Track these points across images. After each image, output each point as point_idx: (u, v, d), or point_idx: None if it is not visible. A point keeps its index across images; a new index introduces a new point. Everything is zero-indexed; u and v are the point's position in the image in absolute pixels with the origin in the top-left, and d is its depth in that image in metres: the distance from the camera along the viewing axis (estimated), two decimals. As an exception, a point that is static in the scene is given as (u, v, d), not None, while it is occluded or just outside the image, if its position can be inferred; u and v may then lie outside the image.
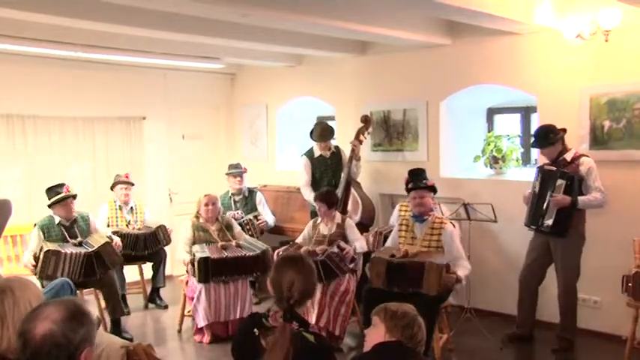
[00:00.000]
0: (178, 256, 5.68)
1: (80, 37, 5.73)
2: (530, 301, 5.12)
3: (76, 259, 5.09)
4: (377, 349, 2.44)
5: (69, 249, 5.16)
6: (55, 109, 6.58)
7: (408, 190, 5.01)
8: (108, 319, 5.43)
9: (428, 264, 4.44)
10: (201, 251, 5.29)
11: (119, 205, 6.33)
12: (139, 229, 6.23)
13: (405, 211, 5.57)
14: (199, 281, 5.20)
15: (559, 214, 4.75)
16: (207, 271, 5.17)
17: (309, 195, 6.22)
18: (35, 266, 5.08)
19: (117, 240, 5.71)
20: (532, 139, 5.09)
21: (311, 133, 6.36)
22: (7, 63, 6.19)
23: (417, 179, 5.02)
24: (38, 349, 1.78)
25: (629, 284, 4.33)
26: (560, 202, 4.71)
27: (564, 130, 4.87)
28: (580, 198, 4.70)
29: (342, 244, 5.18)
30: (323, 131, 6.28)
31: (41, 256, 5.01)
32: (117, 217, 6.31)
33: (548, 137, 4.85)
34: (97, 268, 5.18)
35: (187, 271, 5.48)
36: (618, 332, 4.85)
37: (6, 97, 6.21)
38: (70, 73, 6.66)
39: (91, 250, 5.20)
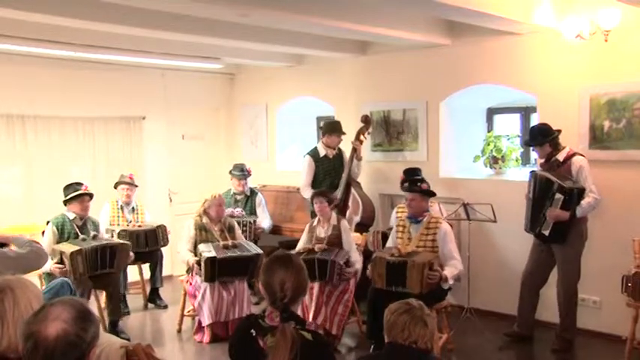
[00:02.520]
0: (180, 256, 5.66)
1: (80, 37, 5.73)
2: (530, 301, 5.11)
3: (93, 252, 5.17)
4: (384, 349, 2.51)
5: (87, 245, 5.21)
6: (55, 109, 6.58)
7: (404, 190, 5.03)
8: (106, 319, 5.44)
9: (410, 262, 4.47)
10: (208, 250, 5.30)
11: (121, 205, 6.35)
12: (139, 226, 6.25)
13: (402, 212, 5.57)
14: (205, 280, 5.20)
15: (556, 225, 4.73)
16: (214, 270, 5.18)
17: (309, 194, 6.20)
18: (62, 268, 5.07)
19: (131, 254, 5.69)
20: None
21: (324, 127, 6.34)
22: (7, 63, 6.19)
23: (411, 180, 5.02)
24: (52, 349, 1.78)
25: (629, 284, 4.32)
26: (557, 218, 4.70)
27: (559, 131, 4.87)
28: (578, 209, 4.67)
29: (351, 260, 5.16)
30: (338, 126, 6.29)
31: (68, 261, 5.03)
32: (118, 217, 6.33)
33: (536, 138, 4.87)
34: (108, 263, 5.25)
35: (189, 271, 5.48)
36: (618, 332, 4.84)
37: (6, 97, 6.21)
38: (70, 73, 6.66)
39: (107, 243, 5.33)
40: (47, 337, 1.78)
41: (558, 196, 4.67)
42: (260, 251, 5.46)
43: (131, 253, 5.65)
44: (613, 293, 4.71)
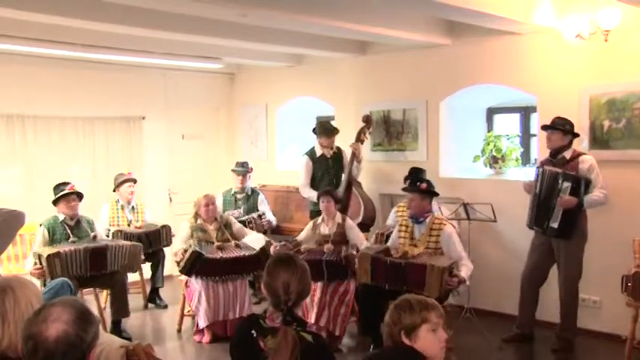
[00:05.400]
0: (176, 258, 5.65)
1: (80, 37, 5.73)
2: (531, 301, 5.11)
3: (77, 255, 5.09)
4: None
5: (66, 247, 5.13)
6: (55, 109, 6.58)
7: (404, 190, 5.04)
8: (107, 319, 5.45)
9: (429, 267, 4.41)
10: (199, 247, 5.33)
11: (121, 205, 6.35)
12: (139, 227, 6.24)
13: (403, 212, 5.57)
14: (180, 271, 5.25)
15: (565, 216, 4.73)
16: (194, 265, 5.19)
17: (308, 192, 6.20)
18: (39, 269, 5.02)
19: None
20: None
21: (315, 130, 6.35)
22: (7, 63, 6.19)
23: (411, 181, 5.02)
24: (52, 351, 1.78)
25: (629, 284, 4.32)
26: (567, 204, 4.68)
27: (577, 135, 4.89)
28: (585, 198, 4.68)
29: (362, 248, 5.19)
30: (327, 127, 6.29)
31: (45, 264, 4.97)
32: (118, 217, 6.34)
33: (561, 124, 4.84)
34: (101, 264, 5.18)
35: (177, 261, 5.42)
36: (618, 332, 4.85)
37: (6, 97, 6.21)
38: (70, 73, 6.66)
39: (96, 245, 5.25)
40: (47, 338, 1.78)
41: (566, 184, 4.69)
42: (264, 243, 5.46)
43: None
44: (613, 293, 4.71)
